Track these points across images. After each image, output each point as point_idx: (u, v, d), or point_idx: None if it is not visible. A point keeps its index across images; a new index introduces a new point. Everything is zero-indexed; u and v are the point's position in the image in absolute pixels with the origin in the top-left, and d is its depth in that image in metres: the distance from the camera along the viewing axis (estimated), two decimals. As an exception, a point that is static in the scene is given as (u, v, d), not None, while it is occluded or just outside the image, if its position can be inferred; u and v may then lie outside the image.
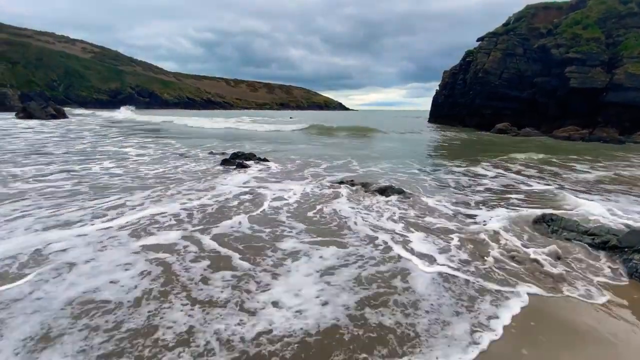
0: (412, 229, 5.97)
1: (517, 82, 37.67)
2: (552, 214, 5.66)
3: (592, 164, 14.40)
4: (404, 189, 8.59)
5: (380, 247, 5.25)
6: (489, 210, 6.99)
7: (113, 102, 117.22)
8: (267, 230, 5.99)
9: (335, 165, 12.93)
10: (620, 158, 16.90)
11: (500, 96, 38.59)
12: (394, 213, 6.84)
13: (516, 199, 8.24)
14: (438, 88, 54.54)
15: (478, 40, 44.28)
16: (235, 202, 7.63)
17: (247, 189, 8.81)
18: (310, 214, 6.89)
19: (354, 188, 8.80)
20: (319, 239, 5.61)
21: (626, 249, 4.48)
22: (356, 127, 36.06)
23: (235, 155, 13.03)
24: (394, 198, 7.86)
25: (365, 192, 8.50)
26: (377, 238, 5.60)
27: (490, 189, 9.45)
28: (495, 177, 11.11)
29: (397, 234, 5.82)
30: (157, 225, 6.07)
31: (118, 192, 8.26)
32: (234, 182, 9.55)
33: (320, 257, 4.90)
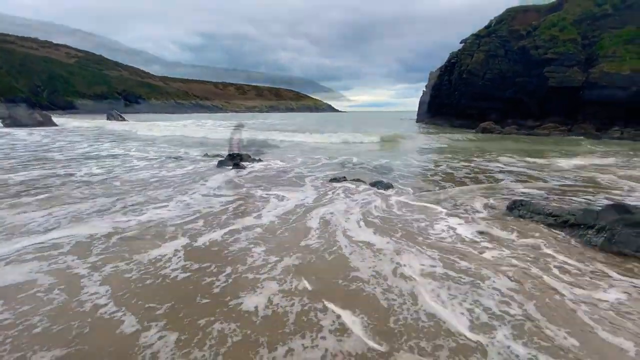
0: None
1: (499, 82, 39.01)
2: (522, 200, 6.38)
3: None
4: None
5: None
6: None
7: (99, 107, 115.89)
8: (221, 276, 4.06)
9: (333, 163, 13.53)
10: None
11: (484, 96, 39.88)
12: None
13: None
14: (425, 89, 55.97)
15: (461, 42, 45.63)
16: (195, 216, 6.33)
17: (230, 196, 8.08)
18: (305, 241, 5.31)
19: (352, 186, 9.32)
20: (317, 292, 3.73)
21: (582, 226, 5.20)
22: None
23: (232, 156, 13.52)
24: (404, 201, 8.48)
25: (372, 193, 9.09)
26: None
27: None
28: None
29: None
30: (31, 255, 4.59)
31: (63, 204, 7.06)
32: (214, 184, 9.39)
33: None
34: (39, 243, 5.03)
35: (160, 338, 3.02)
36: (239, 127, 8.10)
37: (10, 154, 15.40)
